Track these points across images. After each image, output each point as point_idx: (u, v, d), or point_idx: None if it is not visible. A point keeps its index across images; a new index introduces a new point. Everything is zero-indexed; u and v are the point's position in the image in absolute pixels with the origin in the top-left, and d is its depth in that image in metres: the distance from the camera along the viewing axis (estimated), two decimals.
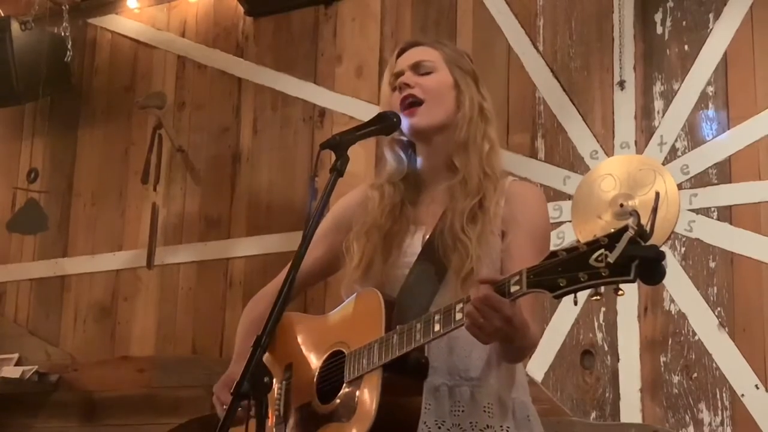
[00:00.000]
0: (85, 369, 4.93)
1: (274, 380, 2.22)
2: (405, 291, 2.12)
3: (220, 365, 4.53)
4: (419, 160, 2.28)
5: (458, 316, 1.88)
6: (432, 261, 2.12)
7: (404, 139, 2.28)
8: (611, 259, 1.66)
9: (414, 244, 2.19)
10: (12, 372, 4.90)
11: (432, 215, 2.21)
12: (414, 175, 2.28)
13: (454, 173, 2.21)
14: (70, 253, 5.19)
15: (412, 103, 2.22)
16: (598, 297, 1.74)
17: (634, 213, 1.67)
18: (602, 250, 1.67)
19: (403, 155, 2.28)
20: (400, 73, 2.26)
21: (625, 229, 1.66)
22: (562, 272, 1.72)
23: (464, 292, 1.97)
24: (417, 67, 2.25)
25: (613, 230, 1.68)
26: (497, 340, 1.91)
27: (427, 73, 2.25)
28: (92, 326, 5.04)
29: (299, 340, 2.28)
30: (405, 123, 2.22)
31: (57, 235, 5.21)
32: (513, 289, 1.80)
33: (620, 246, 1.65)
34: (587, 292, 1.73)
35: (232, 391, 1.79)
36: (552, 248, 1.80)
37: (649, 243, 1.65)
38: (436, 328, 1.91)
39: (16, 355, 5.04)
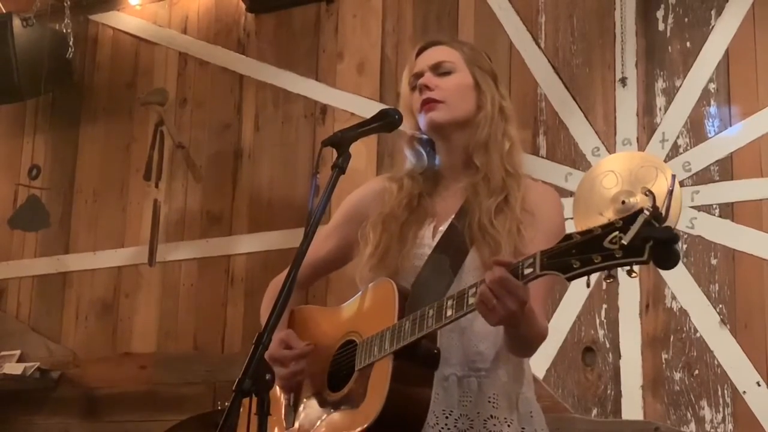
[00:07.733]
0: (87, 365, 4.94)
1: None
2: (419, 282, 2.13)
3: (222, 362, 4.58)
4: (438, 157, 2.29)
5: (471, 300, 1.89)
6: (447, 253, 2.13)
7: (423, 136, 2.28)
8: (625, 241, 1.66)
9: (427, 236, 2.20)
10: (14, 368, 4.90)
11: (447, 208, 2.22)
12: (432, 171, 2.29)
13: (474, 171, 2.22)
14: (72, 249, 5.19)
15: (431, 101, 2.23)
16: (611, 279, 1.74)
17: (650, 194, 1.66)
18: (616, 233, 1.68)
19: (422, 151, 2.29)
20: (420, 74, 2.26)
21: (640, 211, 1.66)
22: (575, 254, 1.72)
23: None
24: (437, 68, 2.25)
25: (628, 213, 1.68)
26: (506, 324, 1.92)
27: (447, 74, 2.25)
28: (94, 323, 5.04)
29: (314, 332, 2.29)
30: (422, 118, 2.23)
31: (58, 231, 5.21)
32: (527, 271, 1.81)
33: (635, 227, 1.65)
34: (601, 274, 1.73)
35: (233, 388, 1.80)
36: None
37: (664, 225, 1.65)
38: (449, 313, 1.92)
39: (17, 352, 5.04)
